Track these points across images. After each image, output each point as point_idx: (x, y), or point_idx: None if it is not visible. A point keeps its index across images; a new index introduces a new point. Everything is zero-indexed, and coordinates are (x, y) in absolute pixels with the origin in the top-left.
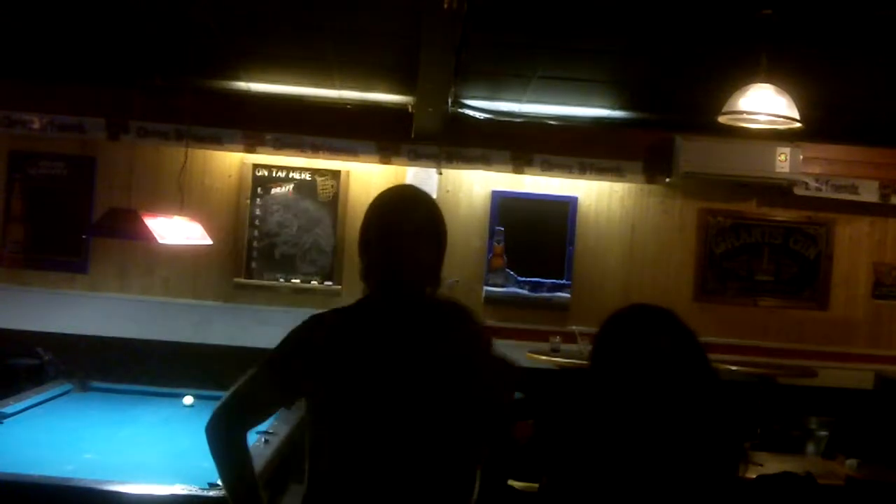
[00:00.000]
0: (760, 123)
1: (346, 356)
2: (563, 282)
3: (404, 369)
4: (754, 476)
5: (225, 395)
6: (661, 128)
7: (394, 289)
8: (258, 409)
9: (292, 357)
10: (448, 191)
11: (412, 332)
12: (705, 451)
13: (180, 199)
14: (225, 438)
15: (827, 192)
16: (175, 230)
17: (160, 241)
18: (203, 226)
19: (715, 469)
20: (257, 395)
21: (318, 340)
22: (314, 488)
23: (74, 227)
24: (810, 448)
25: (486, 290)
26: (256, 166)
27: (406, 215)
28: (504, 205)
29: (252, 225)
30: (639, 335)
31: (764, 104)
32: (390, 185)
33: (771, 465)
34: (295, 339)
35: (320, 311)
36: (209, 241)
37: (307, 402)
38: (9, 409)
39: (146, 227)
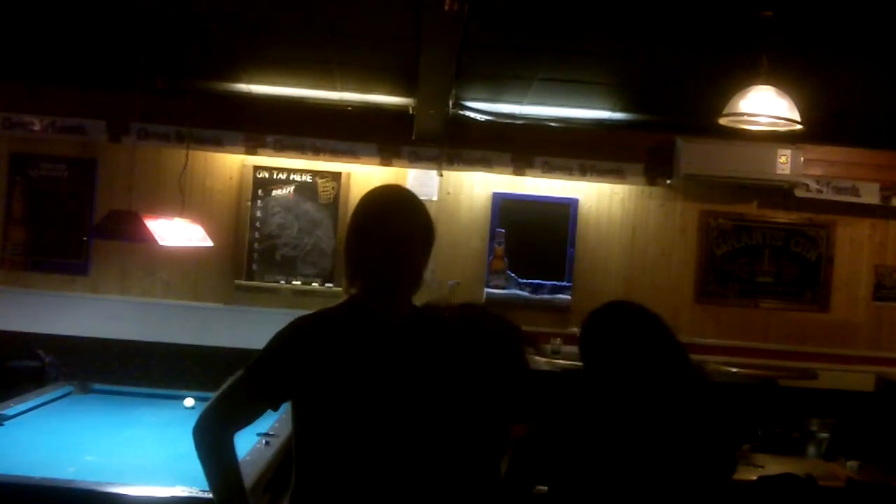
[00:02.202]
0: (761, 125)
1: (330, 359)
2: (564, 284)
3: (390, 372)
4: (755, 477)
5: (212, 397)
6: (662, 130)
7: (380, 291)
8: (244, 412)
9: (277, 360)
10: (449, 193)
11: (397, 336)
12: (690, 446)
13: (181, 201)
14: (212, 441)
15: (828, 195)
16: (176, 232)
17: (161, 242)
18: (204, 228)
19: (701, 462)
20: (243, 398)
21: (302, 343)
22: (301, 488)
23: (75, 229)
24: (811, 450)
25: (487, 292)
26: (257, 168)
27: (396, 218)
28: (505, 207)
29: (253, 227)
30: (616, 335)
31: (765, 106)
32: None
33: (772, 466)
34: (280, 343)
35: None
36: (210, 243)
37: (293, 405)
38: (10, 412)
39: (147, 228)
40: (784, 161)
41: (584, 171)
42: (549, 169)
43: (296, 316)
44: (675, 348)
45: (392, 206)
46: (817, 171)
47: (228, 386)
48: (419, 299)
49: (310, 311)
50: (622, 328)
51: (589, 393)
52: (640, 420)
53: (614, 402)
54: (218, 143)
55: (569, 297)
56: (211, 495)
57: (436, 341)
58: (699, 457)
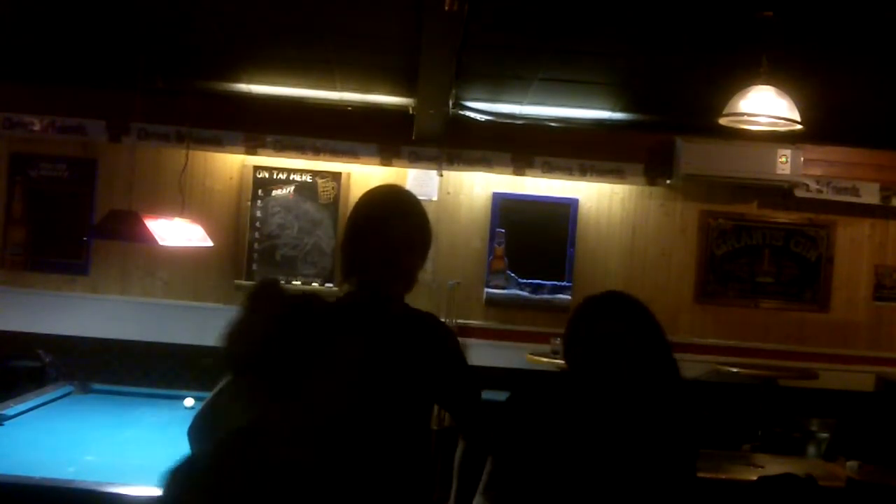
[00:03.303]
0: (761, 125)
1: (320, 357)
2: (564, 284)
3: (382, 371)
4: (755, 478)
5: (206, 398)
6: (662, 130)
7: (373, 290)
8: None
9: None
10: (449, 193)
11: (388, 337)
12: (657, 441)
13: (181, 201)
14: (206, 442)
15: (828, 195)
16: (176, 232)
17: (161, 243)
18: (204, 228)
19: (666, 459)
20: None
21: (294, 342)
22: None
23: (75, 230)
24: (811, 450)
25: (487, 292)
26: (257, 168)
27: (393, 219)
28: (505, 207)
29: (253, 227)
30: (591, 320)
31: (765, 106)
32: None
33: (772, 466)
34: (273, 342)
35: None
36: (210, 243)
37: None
38: (10, 412)
39: (147, 229)
40: (784, 161)
41: (584, 171)
42: (549, 169)
43: None
44: (665, 344)
45: (390, 206)
46: (817, 171)
47: (222, 386)
48: (418, 300)
49: None
50: (617, 315)
51: (571, 382)
52: (620, 413)
53: (596, 393)
54: (218, 143)
55: (569, 297)
56: None
57: (426, 339)
58: (668, 455)
